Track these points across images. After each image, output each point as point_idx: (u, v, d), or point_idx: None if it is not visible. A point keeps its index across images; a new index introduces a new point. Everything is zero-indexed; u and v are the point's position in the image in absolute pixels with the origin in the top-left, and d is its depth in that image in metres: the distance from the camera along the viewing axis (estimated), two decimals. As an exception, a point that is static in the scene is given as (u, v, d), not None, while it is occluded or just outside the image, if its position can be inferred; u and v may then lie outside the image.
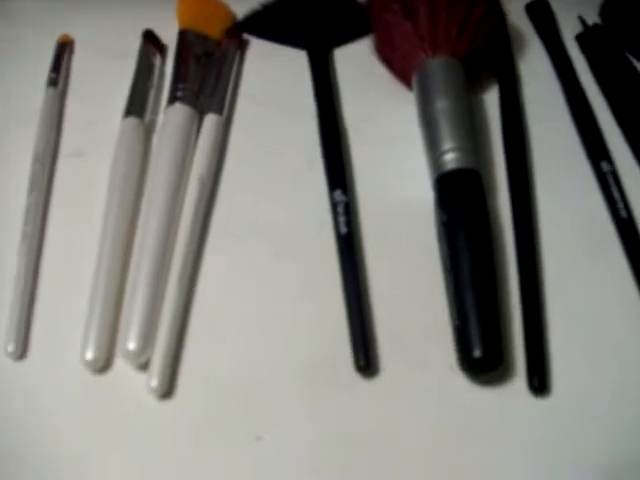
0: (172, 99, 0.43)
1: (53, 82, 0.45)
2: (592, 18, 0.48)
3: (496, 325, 0.34)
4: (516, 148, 0.42)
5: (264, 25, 0.49)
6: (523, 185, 0.40)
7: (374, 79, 0.46)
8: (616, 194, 0.40)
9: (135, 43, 0.47)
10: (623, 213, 0.39)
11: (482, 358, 0.33)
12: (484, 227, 0.37)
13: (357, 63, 0.47)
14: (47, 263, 0.39)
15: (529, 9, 0.50)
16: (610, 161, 0.41)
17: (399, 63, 0.44)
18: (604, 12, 0.49)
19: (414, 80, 0.43)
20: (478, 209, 0.37)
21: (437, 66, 0.42)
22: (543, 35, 0.48)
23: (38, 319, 0.37)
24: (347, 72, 0.47)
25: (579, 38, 0.48)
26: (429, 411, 0.34)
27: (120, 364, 0.35)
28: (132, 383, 0.34)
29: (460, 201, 0.37)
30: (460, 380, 0.34)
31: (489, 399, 0.34)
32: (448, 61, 0.42)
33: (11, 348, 0.35)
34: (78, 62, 0.48)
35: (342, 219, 0.38)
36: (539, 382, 0.34)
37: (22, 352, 0.36)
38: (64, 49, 0.47)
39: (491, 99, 0.45)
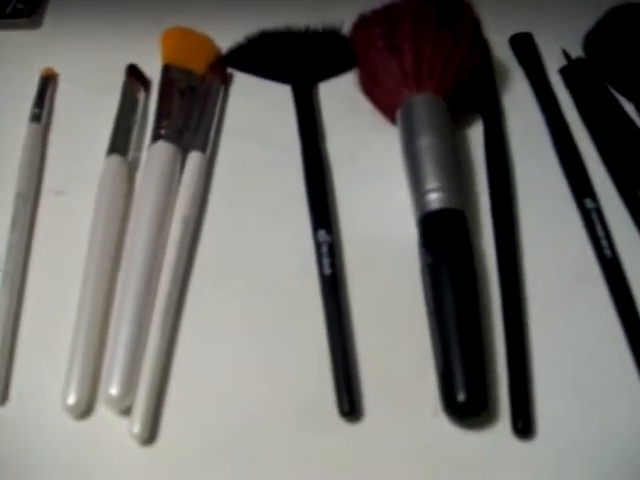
0: (155, 136, 0.43)
1: (36, 117, 0.45)
2: (576, 51, 0.49)
3: (481, 369, 0.34)
4: (500, 186, 0.42)
5: (248, 59, 0.49)
6: (507, 224, 0.40)
7: (359, 114, 0.46)
8: (600, 232, 0.39)
9: (119, 77, 0.47)
10: (607, 252, 0.39)
11: (466, 403, 0.33)
12: (469, 269, 0.37)
13: (342, 97, 0.47)
14: (29, 304, 0.38)
15: (513, 42, 0.50)
16: (594, 198, 0.41)
17: (383, 99, 0.44)
18: (587, 45, 0.49)
19: (398, 117, 0.43)
20: (462, 251, 0.37)
21: (421, 103, 0.42)
22: (527, 68, 0.49)
23: (19, 362, 0.36)
24: (332, 106, 0.47)
25: (563, 71, 0.48)
26: (414, 454, 0.33)
27: (103, 409, 0.35)
28: (115, 428, 0.34)
29: (444, 243, 0.37)
30: (444, 423, 0.34)
31: (474, 442, 0.33)
32: (432, 98, 0.42)
33: (-10, 394, 0.35)
34: (61, 96, 0.48)
35: (326, 260, 0.38)
36: (524, 424, 0.33)
37: (3, 397, 0.35)
38: (48, 83, 0.47)
39: (475, 134, 0.45)
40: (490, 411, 0.34)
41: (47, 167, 0.44)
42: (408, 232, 0.39)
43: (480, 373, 0.34)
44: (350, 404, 0.34)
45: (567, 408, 0.34)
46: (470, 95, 0.45)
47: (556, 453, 0.33)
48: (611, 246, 0.39)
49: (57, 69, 0.48)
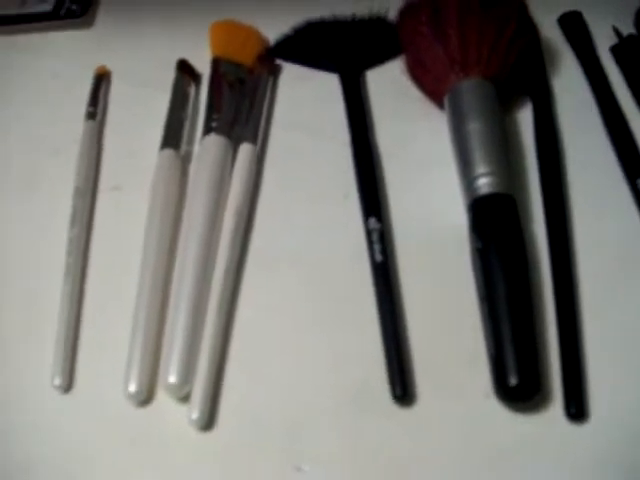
0: (207, 130, 0.44)
1: (91, 115, 0.46)
2: (627, 28, 0.48)
3: (533, 352, 0.34)
4: (551, 169, 0.41)
5: (296, 50, 0.49)
6: (558, 207, 0.40)
7: (407, 100, 0.46)
8: (654, 212, 0.39)
9: (170, 72, 0.48)
10: (661, 232, 0.38)
11: (518, 386, 0.33)
12: (519, 254, 0.37)
13: (390, 85, 0.47)
14: (90, 295, 0.40)
15: (562, 21, 0.49)
16: (647, 178, 0.41)
17: (431, 85, 0.44)
18: (639, 21, 0.48)
19: (446, 102, 0.43)
20: (513, 235, 0.37)
21: (469, 88, 0.42)
22: (577, 48, 0.48)
23: (83, 352, 0.38)
24: (380, 94, 0.47)
25: (614, 49, 0.47)
26: (466, 439, 0.34)
27: (162, 396, 0.36)
28: (174, 415, 0.35)
29: (494, 227, 0.37)
30: (496, 408, 0.34)
31: (526, 427, 0.34)
32: (480, 82, 0.42)
33: (57, 381, 0.36)
34: (115, 93, 0.49)
35: (377, 247, 0.38)
36: (577, 408, 0.33)
37: (68, 385, 0.37)
38: (101, 81, 0.48)
39: (524, 117, 0.44)
40: (542, 396, 0.34)
41: (103, 163, 0.45)
42: (458, 218, 0.39)
43: (532, 356, 0.34)
44: (402, 388, 0.34)
45: (620, 392, 0.34)
46: (519, 78, 0.45)
47: (609, 438, 0.33)
48: (665, 226, 0.39)
49: (110, 66, 0.50)
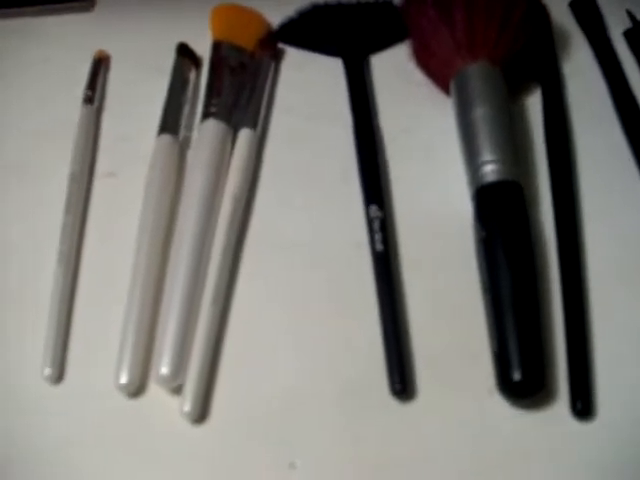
0: (206, 114, 0.43)
1: (89, 99, 0.45)
2: (641, 12, 0.46)
3: (537, 347, 0.33)
4: (560, 157, 0.40)
5: (299, 34, 0.48)
6: (567, 196, 0.39)
7: (412, 86, 0.44)
8: (666, 203, 0.38)
9: (170, 56, 0.47)
10: (674, 224, 0.37)
11: (522, 382, 0.32)
12: (525, 244, 0.35)
13: (394, 70, 0.46)
14: (83, 284, 0.39)
15: (573, 5, 0.48)
16: (660, 167, 0.39)
17: (437, 69, 0.43)
18: (654, 6, 0.47)
19: (452, 87, 0.41)
20: (519, 224, 0.36)
21: (475, 73, 0.40)
22: (588, 32, 0.46)
23: (74, 342, 0.37)
24: (384, 79, 0.46)
25: (627, 34, 0.46)
26: (467, 436, 0.33)
27: (154, 388, 0.35)
28: (166, 407, 0.34)
29: (500, 215, 0.36)
30: (499, 404, 0.33)
31: (530, 424, 0.33)
32: (487, 67, 0.41)
33: (48, 372, 0.35)
34: (113, 77, 0.48)
35: (378, 236, 0.37)
36: (583, 406, 0.32)
37: (59, 376, 0.36)
38: (100, 65, 0.47)
39: (533, 103, 0.43)
40: (547, 392, 0.33)
41: (100, 148, 0.44)
42: (463, 206, 0.38)
43: (537, 352, 0.33)
44: (402, 383, 0.33)
45: (628, 389, 0.33)
46: (528, 63, 0.43)
47: (615, 436, 0.32)
48: (678, 218, 0.37)
49: (109, 50, 0.48)
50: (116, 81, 0.48)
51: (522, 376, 0.32)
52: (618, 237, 0.38)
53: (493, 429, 0.33)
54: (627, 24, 0.46)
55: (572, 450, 0.32)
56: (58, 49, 0.49)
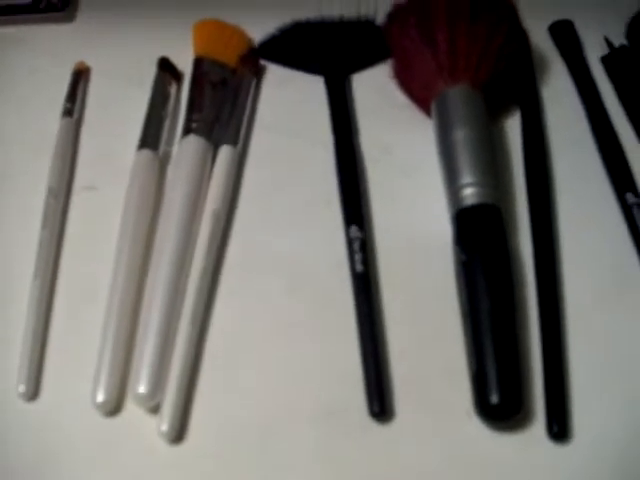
0: (187, 130, 0.42)
1: (68, 112, 0.45)
2: (618, 39, 0.47)
3: (515, 371, 0.33)
4: (538, 180, 0.40)
5: (281, 50, 0.48)
6: (545, 220, 0.39)
7: (394, 106, 0.44)
8: (642, 228, 0.38)
9: (151, 70, 0.47)
10: (649, 249, 0.38)
11: (500, 405, 0.32)
12: (504, 268, 0.36)
13: (376, 89, 0.46)
14: (59, 300, 0.38)
15: (552, 29, 0.48)
16: (636, 193, 0.40)
17: (418, 90, 0.43)
18: (631, 32, 0.47)
19: (433, 109, 0.42)
20: (498, 249, 0.36)
21: (457, 95, 0.41)
22: (567, 57, 0.47)
23: (50, 358, 0.36)
24: (366, 98, 0.46)
25: (605, 60, 0.46)
26: (445, 457, 0.33)
27: (131, 407, 0.35)
28: (143, 426, 0.34)
29: (479, 239, 0.36)
30: (477, 426, 0.33)
31: (507, 446, 0.33)
32: (468, 90, 0.41)
33: (22, 389, 0.35)
34: (94, 90, 0.48)
35: (358, 257, 0.37)
36: (559, 428, 0.33)
37: (34, 393, 0.35)
38: (80, 77, 0.47)
39: (512, 126, 0.43)
40: (524, 414, 0.33)
41: (79, 162, 0.44)
42: (443, 228, 0.38)
43: (514, 375, 0.33)
44: (381, 405, 0.33)
45: (604, 412, 0.33)
46: (507, 86, 0.44)
47: (592, 458, 0.32)
48: (654, 243, 0.38)
49: (90, 62, 0.48)
50: (96, 94, 0.47)
51: (500, 399, 0.32)
52: (595, 260, 0.38)
53: (470, 451, 0.33)
54: (605, 50, 0.47)
55: (548, 472, 0.32)
56: (42, 59, 0.49)
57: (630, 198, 0.39)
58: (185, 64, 0.47)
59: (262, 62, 0.48)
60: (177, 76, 0.47)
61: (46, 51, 0.50)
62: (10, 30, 0.52)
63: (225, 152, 0.42)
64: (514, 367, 0.33)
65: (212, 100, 0.44)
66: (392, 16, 0.45)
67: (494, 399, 0.32)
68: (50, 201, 0.41)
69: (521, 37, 0.45)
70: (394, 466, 0.33)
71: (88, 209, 0.42)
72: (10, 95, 0.48)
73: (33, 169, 0.43)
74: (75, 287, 0.39)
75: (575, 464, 0.32)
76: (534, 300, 0.36)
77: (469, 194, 0.37)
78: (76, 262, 0.40)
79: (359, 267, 0.37)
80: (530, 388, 0.34)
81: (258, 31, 0.49)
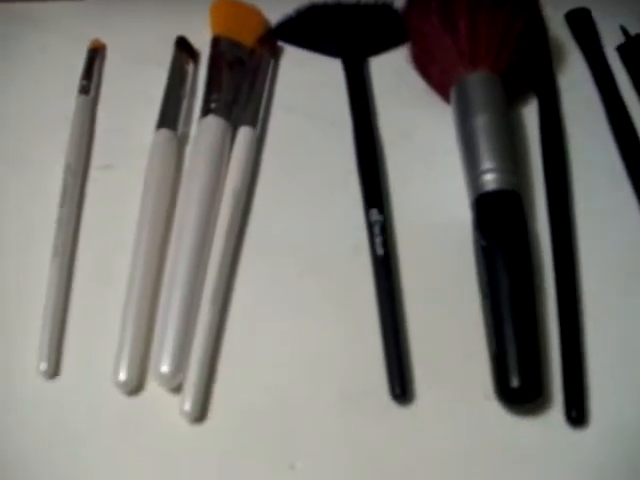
0: (205, 111, 0.42)
1: (85, 90, 0.45)
2: (635, 28, 0.47)
3: (535, 355, 0.34)
4: (555, 167, 0.41)
5: (298, 32, 0.48)
6: (563, 206, 0.39)
7: (412, 90, 0.45)
8: (658, 217, 0.39)
9: (168, 49, 0.46)
10: (665, 237, 0.38)
11: (520, 388, 0.32)
12: (524, 253, 0.36)
13: (394, 73, 0.46)
14: (79, 279, 0.38)
15: (569, 18, 0.49)
16: (653, 181, 0.40)
17: (437, 76, 0.43)
18: (647, 22, 0.47)
19: (452, 95, 0.42)
20: (518, 233, 0.36)
21: (476, 81, 0.41)
22: (583, 45, 0.47)
23: (70, 337, 0.36)
24: (384, 82, 0.46)
25: (620, 49, 0.47)
26: (464, 440, 0.33)
27: (153, 386, 0.35)
28: (165, 405, 0.34)
29: (499, 225, 0.36)
30: (495, 409, 0.33)
31: (525, 430, 0.33)
32: (488, 76, 0.41)
33: (43, 367, 0.35)
34: (109, 69, 0.47)
35: (378, 240, 0.37)
36: (577, 413, 0.33)
37: (54, 371, 0.35)
38: (96, 55, 0.47)
39: (530, 113, 0.44)
40: (543, 399, 0.33)
41: (96, 140, 0.44)
42: (462, 213, 0.38)
43: (535, 359, 0.33)
44: (402, 387, 0.34)
45: (622, 397, 0.34)
46: (525, 73, 0.44)
47: (609, 443, 0.33)
48: (671, 229, 0.38)
49: (105, 41, 0.48)
50: (112, 72, 0.47)
51: (520, 383, 0.32)
52: (612, 246, 0.38)
53: (489, 434, 0.33)
54: (621, 39, 0.47)
55: (566, 457, 0.32)
56: (52, 37, 0.49)
57: (647, 187, 0.40)
58: (202, 44, 0.47)
59: (280, 43, 0.48)
60: (194, 56, 0.47)
61: (58, 28, 0.50)
62: (20, 7, 0.51)
63: (244, 133, 0.42)
64: (534, 351, 0.34)
65: (230, 80, 0.44)
66: (412, 1, 0.45)
67: (514, 382, 0.32)
68: (68, 178, 0.40)
69: (540, 25, 0.45)
70: (414, 448, 0.33)
71: (105, 188, 0.42)
72: (23, 73, 0.48)
73: (49, 147, 0.43)
74: (95, 265, 0.39)
75: (593, 449, 0.32)
76: (552, 285, 0.37)
77: (489, 180, 0.38)
78: (95, 240, 0.40)
79: (380, 250, 0.37)
80: (548, 373, 0.34)
81: (275, 12, 0.48)
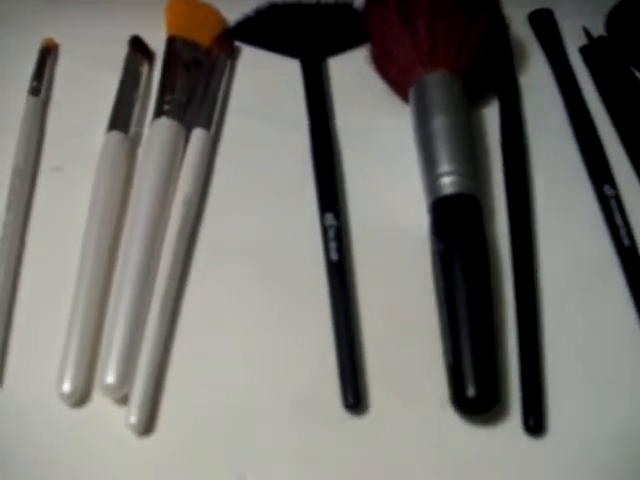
0: (158, 112, 0.41)
1: (35, 91, 0.43)
2: (597, 30, 0.47)
3: (492, 363, 0.33)
4: (516, 170, 0.40)
5: (256, 32, 0.47)
6: (522, 210, 0.39)
7: (371, 91, 0.44)
8: (618, 220, 0.38)
9: (122, 48, 0.45)
10: (626, 241, 0.37)
11: (476, 398, 0.32)
12: (482, 259, 0.35)
13: (353, 73, 0.45)
14: (24, 285, 0.37)
15: (532, 18, 0.48)
16: (613, 184, 0.39)
17: (396, 76, 0.43)
18: (610, 24, 0.47)
19: (411, 95, 0.41)
20: (476, 239, 0.36)
21: (435, 82, 0.40)
22: (546, 46, 0.47)
23: (15, 346, 0.35)
24: (342, 82, 0.45)
25: (583, 50, 0.46)
26: (419, 451, 0.32)
27: (99, 397, 0.33)
28: (112, 417, 0.33)
29: (456, 230, 0.36)
30: (452, 419, 0.33)
31: (482, 439, 0.32)
32: (447, 76, 0.40)
33: (-16, 379, 0.34)
34: (62, 68, 0.46)
35: (333, 245, 0.37)
36: (535, 422, 0.32)
37: (-3, 382, 0.34)
38: (48, 55, 0.45)
39: (490, 114, 0.43)
40: (500, 408, 0.33)
41: (46, 142, 0.42)
42: (420, 217, 0.38)
43: (491, 367, 0.33)
44: (355, 396, 0.33)
45: (580, 406, 0.33)
46: (486, 74, 0.43)
47: (568, 452, 0.32)
48: (630, 235, 0.37)
49: (58, 40, 0.47)
50: (64, 73, 0.46)
51: (476, 392, 0.32)
52: (571, 251, 0.38)
53: (445, 443, 0.32)
54: (583, 40, 0.46)
55: (524, 466, 0.32)
56: (3, 36, 0.47)
57: (607, 190, 0.39)
58: (158, 44, 0.46)
59: (237, 43, 0.47)
60: (149, 56, 0.46)
61: (12, 27, 0.48)
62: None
63: (198, 136, 0.41)
64: (491, 360, 0.33)
65: (185, 81, 0.43)
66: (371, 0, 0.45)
67: (470, 392, 0.32)
68: (16, 181, 0.39)
69: (501, 24, 0.44)
70: (368, 458, 0.32)
71: (55, 190, 0.40)
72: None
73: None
74: (41, 272, 0.38)
75: (550, 458, 0.32)
76: (511, 290, 0.36)
77: (447, 183, 0.37)
78: (43, 245, 0.38)
79: (334, 255, 0.36)
80: (506, 381, 0.33)
81: (233, 12, 0.47)
